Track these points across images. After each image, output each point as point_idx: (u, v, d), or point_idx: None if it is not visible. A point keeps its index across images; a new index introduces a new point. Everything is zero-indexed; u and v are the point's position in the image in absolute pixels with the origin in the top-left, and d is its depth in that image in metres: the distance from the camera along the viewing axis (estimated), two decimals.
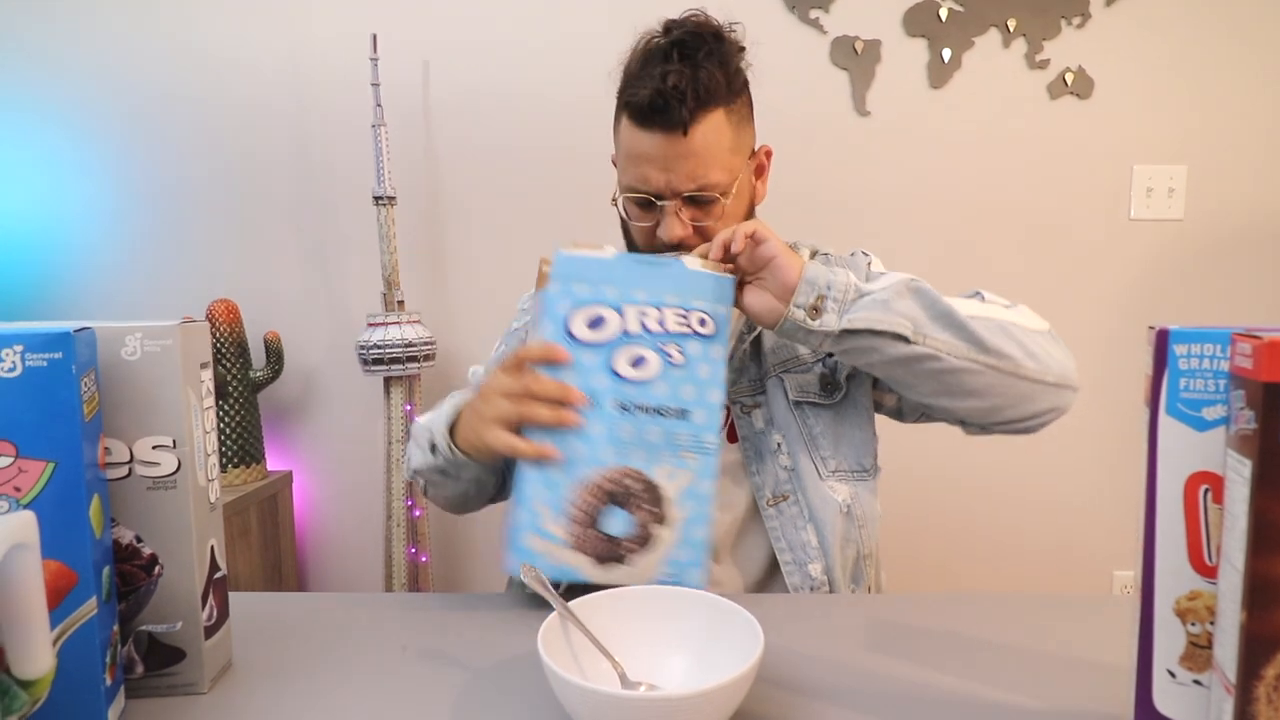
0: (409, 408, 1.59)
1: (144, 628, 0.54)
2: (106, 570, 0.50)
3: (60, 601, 0.46)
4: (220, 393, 1.56)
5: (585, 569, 0.66)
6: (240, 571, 1.53)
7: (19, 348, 0.45)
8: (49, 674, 0.46)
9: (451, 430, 0.77)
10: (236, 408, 1.57)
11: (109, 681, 0.49)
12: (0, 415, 0.46)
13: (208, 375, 0.56)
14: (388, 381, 1.59)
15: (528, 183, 1.67)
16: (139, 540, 0.53)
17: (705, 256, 0.72)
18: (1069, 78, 1.63)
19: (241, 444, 1.58)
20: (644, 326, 0.69)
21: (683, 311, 0.69)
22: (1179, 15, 1.62)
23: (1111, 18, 1.62)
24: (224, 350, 1.56)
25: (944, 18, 1.62)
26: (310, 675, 0.58)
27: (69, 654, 0.47)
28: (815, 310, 0.71)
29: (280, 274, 1.71)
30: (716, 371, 0.69)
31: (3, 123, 1.68)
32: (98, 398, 0.49)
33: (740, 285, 0.74)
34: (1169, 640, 0.44)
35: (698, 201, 0.81)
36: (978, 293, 0.82)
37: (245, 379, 1.59)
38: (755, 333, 0.88)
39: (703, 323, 0.70)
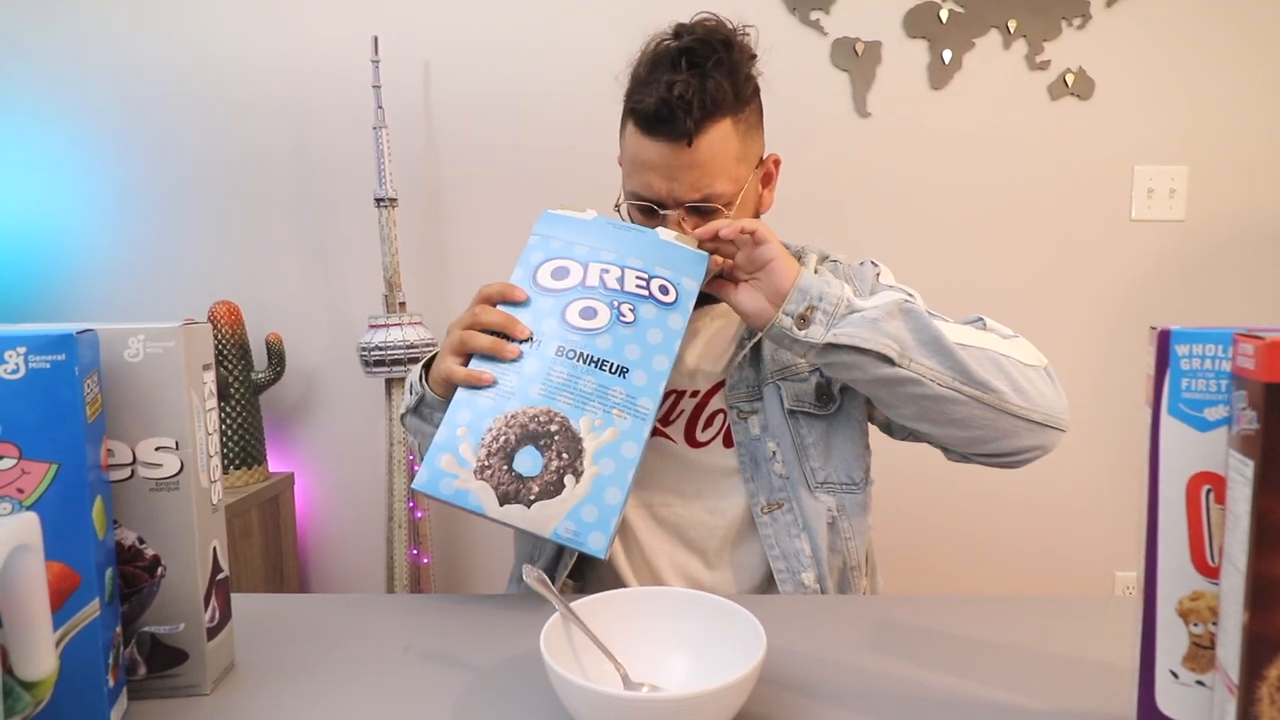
0: None
1: (146, 629, 0.54)
2: (109, 572, 0.50)
3: (63, 603, 0.47)
4: (222, 394, 1.56)
5: (486, 502, 0.65)
6: (242, 573, 1.53)
7: (22, 349, 0.46)
8: (52, 675, 0.46)
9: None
10: (238, 409, 1.58)
11: (111, 683, 0.49)
12: (3, 417, 0.46)
13: (210, 377, 0.57)
14: (389, 383, 1.59)
15: (529, 184, 1.67)
16: (141, 542, 0.53)
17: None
18: (1069, 79, 1.63)
19: (243, 445, 1.58)
20: (602, 282, 0.72)
21: (644, 275, 0.72)
22: (1179, 15, 1.62)
23: (1112, 18, 1.62)
24: (226, 352, 1.57)
25: (944, 19, 1.62)
26: (312, 676, 0.58)
27: (72, 655, 0.47)
28: (803, 320, 0.71)
29: (282, 276, 1.71)
30: (669, 340, 0.70)
31: (3, 124, 1.68)
32: (100, 399, 0.49)
33: (735, 283, 0.76)
34: (1171, 641, 0.44)
35: (701, 211, 0.81)
36: (980, 318, 0.81)
37: (247, 381, 1.59)
38: (755, 339, 0.87)
39: (664, 290, 0.72)
